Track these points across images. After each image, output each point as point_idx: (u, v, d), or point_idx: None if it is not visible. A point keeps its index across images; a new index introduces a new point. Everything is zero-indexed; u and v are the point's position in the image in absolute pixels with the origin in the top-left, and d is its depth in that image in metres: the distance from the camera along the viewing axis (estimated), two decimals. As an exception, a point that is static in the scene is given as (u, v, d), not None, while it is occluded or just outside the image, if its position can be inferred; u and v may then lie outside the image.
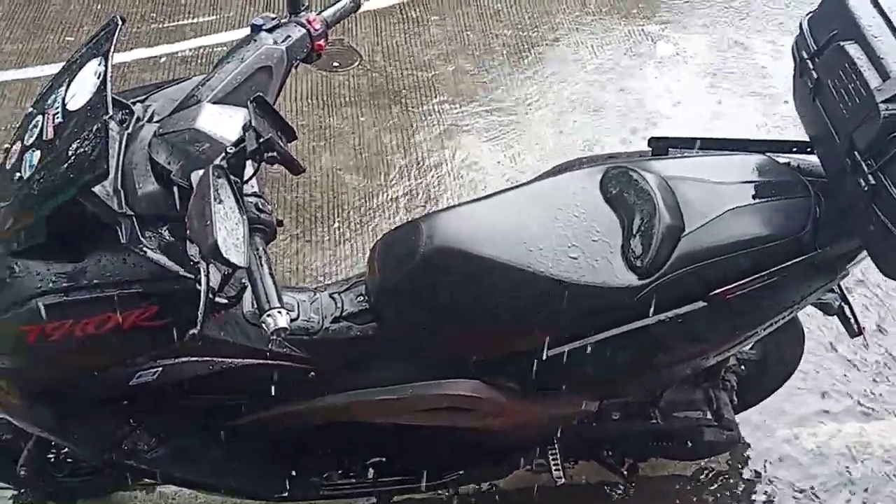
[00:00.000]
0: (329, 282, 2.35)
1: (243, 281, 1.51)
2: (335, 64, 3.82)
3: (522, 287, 1.59)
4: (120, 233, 1.38)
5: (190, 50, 3.88)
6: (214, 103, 1.52)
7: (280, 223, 1.41)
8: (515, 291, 1.60)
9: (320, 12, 1.77)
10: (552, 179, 1.81)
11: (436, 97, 3.66)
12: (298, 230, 3.05)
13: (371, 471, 1.94)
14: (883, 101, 1.41)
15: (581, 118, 3.55)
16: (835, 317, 1.93)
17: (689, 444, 2.09)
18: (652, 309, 1.58)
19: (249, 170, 1.36)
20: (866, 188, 1.44)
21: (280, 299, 1.24)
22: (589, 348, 1.62)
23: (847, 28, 1.55)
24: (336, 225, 3.08)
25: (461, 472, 1.98)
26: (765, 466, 2.38)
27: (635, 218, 1.64)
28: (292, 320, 1.63)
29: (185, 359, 1.56)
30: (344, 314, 1.71)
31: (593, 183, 1.73)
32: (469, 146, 3.41)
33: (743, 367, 2.17)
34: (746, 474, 2.37)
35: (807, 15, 1.70)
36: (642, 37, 4.01)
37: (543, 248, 1.60)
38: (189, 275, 1.39)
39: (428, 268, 1.61)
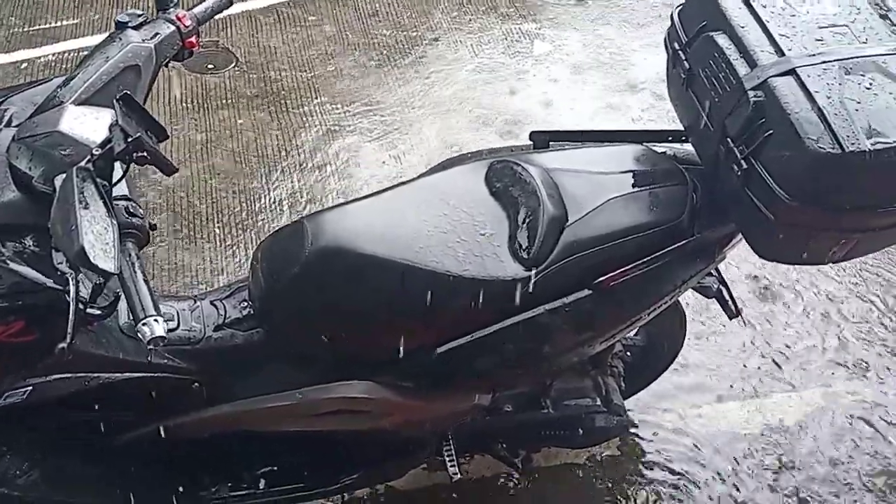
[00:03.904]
0: (210, 289, 2.27)
1: (117, 291, 1.43)
2: (210, 66, 3.71)
3: (411, 284, 1.58)
4: (-23, 245, 1.28)
5: (53, 55, 3.69)
6: (78, 104, 1.44)
7: (153, 227, 1.34)
8: (404, 288, 1.58)
9: (190, 8, 1.70)
10: (437, 175, 1.80)
11: (316, 98, 3.60)
12: (177, 237, 2.94)
13: (262, 481, 1.88)
14: (752, 89, 1.46)
15: (463, 115, 3.56)
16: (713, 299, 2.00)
17: (581, 432, 2.12)
18: (540, 298, 1.59)
19: (118, 172, 1.28)
20: (739, 173, 1.49)
21: (156, 307, 1.18)
22: (480, 342, 1.62)
23: (715, 19, 1.60)
24: (216, 230, 2.98)
25: (356, 476, 1.95)
26: (656, 450, 2.45)
27: (520, 210, 1.65)
28: (171, 330, 1.57)
29: (57, 376, 1.47)
30: (227, 321, 1.65)
31: (478, 178, 1.73)
32: (352, 146, 3.37)
33: (629, 352, 2.22)
34: (638, 458, 2.43)
35: (677, 7, 1.75)
36: (520, 35, 4.06)
37: (431, 244, 1.59)
38: (57, 286, 1.30)
39: (313, 269, 1.57)
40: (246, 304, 1.67)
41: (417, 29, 4.07)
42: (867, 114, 1.41)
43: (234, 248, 2.93)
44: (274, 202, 3.10)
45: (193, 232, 2.97)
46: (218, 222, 3.01)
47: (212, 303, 1.68)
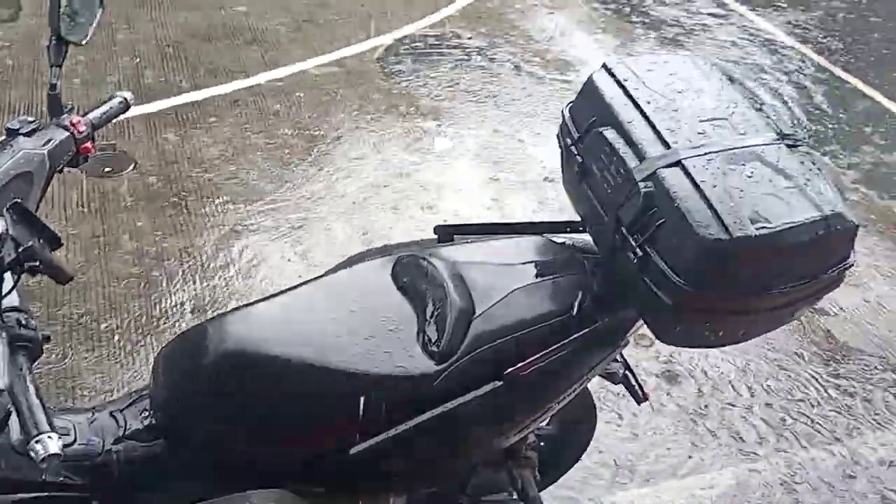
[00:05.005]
0: (109, 399, 2.18)
1: (8, 407, 1.36)
2: (107, 169, 3.66)
3: (321, 385, 1.55)
4: None
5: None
6: (-35, 215, 1.39)
7: (47, 339, 1.29)
8: (314, 390, 1.55)
9: (85, 114, 1.68)
10: (344, 272, 1.79)
11: (218, 198, 3.57)
12: (72, 345, 2.82)
13: None
14: (642, 180, 1.52)
15: (367, 211, 3.59)
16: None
17: (500, 527, 2.09)
18: (452, 392, 1.59)
19: (9, 283, 1.24)
20: (636, 261, 1.54)
21: (50, 422, 1.13)
22: (393, 440, 1.59)
23: (604, 115, 1.67)
24: (115, 337, 2.88)
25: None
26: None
27: (428, 305, 1.65)
28: (67, 445, 1.49)
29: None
30: (127, 433, 1.57)
31: (385, 273, 1.73)
32: (256, 246, 3.34)
33: (542, 443, 2.22)
34: (556, 550, 2.41)
35: (567, 105, 1.82)
36: (421, 133, 4.16)
37: (340, 343, 1.57)
38: (-59, 405, 1.23)
39: (218, 374, 1.53)
40: (147, 413, 1.60)
41: (320, 128, 4.13)
42: (751, 201, 1.48)
43: (134, 354, 2.83)
44: (175, 305, 3.03)
45: (90, 339, 2.86)
46: (117, 328, 2.91)
47: (111, 414, 1.61)
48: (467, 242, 1.90)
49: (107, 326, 2.92)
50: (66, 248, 3.18)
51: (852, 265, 1.61)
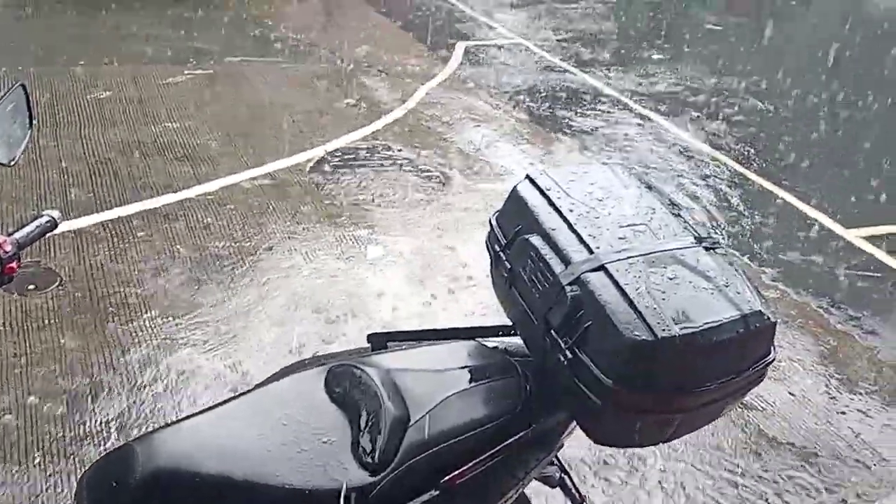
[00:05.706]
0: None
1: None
2: (31, 286, 3.57)
3: (253, 502, 1.51)
4: None
5: None
6: None
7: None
8: (247, 507, 1.51)
9: (11, 233, 1.66)
10: (276, 384, 1.77)
11: (147, 313, 3.51)
12: (-10, 472, 2.69)
13: None
14: (568, 284, 1.57)
15: (301, 321, 3.57)
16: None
17: None
18: (388, 504, 1.56)
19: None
20: (566, 363, 1.57)
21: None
22: (328, 557, 1.55)
23: (529, 223, 1.73)
24: (36, 460, 2.75)
25: None
26: None
27: (362, 414, 1.64)
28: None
29: None
30: (47, 562, 1.50)
31: (318, 383, 1.72)
32: (186, 360, 3.27)
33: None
34: None
35: (494, 213, 1.88)
36: (352, 241, 4.20)
37: (272, 458, 1.54)
38: None
39: (146, 495, 1.47)
40: (69, 540, 1.54)
41: (251, 239, 4.13)
42: (673, 302, 1.53)
43: (56, 476, 2.70)
44: (100, 424, 2.92)
45: (8, 462, 2.73)
46: (37, 449, 2.79)
47: (29, 543, 1.53)
48: (401, 349, 1.91)
49: (27, 450, 2.79)
50: (-15, 368, 3.08)
51: (774, 360, 1.67)
